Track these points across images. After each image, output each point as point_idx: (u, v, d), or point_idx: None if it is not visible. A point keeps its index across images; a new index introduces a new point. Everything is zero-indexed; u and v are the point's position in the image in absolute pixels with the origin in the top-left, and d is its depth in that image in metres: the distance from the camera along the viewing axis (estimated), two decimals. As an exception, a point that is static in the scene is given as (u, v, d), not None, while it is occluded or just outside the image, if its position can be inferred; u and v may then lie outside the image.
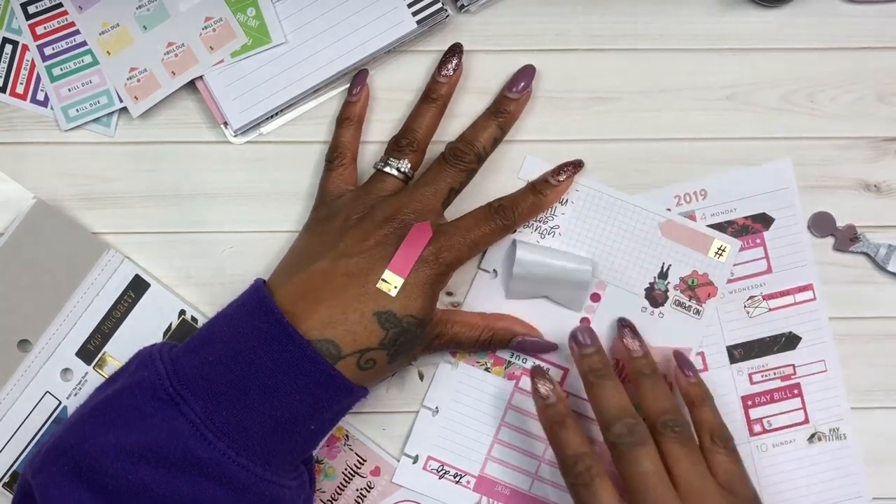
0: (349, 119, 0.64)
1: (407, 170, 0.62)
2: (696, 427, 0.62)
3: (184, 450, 0.53)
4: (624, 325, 0.64)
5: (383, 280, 0.57)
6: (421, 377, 0.66)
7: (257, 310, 0.57)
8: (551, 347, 0.65)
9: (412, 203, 0.60)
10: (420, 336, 0.59)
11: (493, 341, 0.64)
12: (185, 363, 0.56)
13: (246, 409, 0.55)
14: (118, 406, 0.56)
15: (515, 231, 0.64)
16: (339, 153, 0.64)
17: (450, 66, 0.64)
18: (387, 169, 0.62)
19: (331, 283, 0.57)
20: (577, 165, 0.64)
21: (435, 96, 0.64)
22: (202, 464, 0.54)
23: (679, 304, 0.65)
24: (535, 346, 0.65)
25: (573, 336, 0.63)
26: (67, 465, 0.54)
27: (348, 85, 0.65)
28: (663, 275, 0.65)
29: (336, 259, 0.58)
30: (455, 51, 0.64)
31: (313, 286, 0.58)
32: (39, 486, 0.54)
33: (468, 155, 0.62)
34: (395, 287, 0.57)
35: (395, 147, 0.63)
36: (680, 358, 0.64)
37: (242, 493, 0.54)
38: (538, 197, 0.63)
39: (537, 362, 0.66)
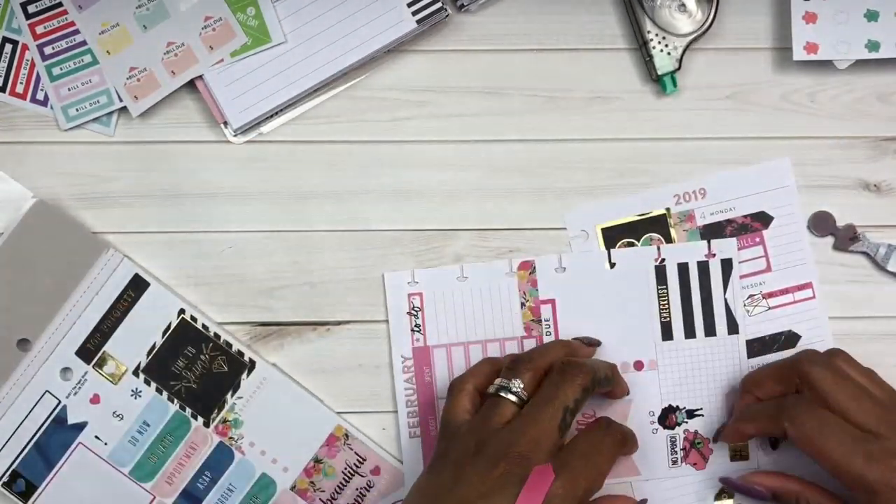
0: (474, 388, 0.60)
1: (519, 390, 0.57)
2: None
3: None
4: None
5: None
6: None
7: None
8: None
9: (527, 432, 0.55)
10: None
11: None
12: None
13: None
14: None
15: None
16: (462, 381, 0.60)
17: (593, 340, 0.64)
18: (501, 393, 0.58)
19: None
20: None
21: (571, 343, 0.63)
22: None
23: (679, 303, 0.65)
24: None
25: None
26: None
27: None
28: (663, 274, 0.65)
29: None
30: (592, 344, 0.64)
31: None
32: None
33: (583, 367, 0.58)
34: None
35: (510, 367, 0.59)
36: (728, 481, 0.62)
37: None
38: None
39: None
